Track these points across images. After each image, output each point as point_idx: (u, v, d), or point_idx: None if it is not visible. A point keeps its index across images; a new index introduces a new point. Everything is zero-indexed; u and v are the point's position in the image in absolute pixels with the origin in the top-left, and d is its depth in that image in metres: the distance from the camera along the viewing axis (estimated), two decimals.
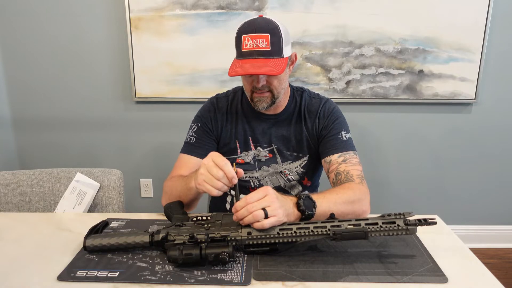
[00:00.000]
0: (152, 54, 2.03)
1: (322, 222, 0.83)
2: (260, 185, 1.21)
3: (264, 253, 0.86)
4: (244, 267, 0.82)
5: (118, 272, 0.81)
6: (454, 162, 2.20)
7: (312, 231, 0.82)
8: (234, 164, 1.01)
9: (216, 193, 0.88)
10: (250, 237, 0.83)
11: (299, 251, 0.88)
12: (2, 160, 2.18)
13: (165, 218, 1.05)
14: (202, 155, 1.14)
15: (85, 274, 0.80)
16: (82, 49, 2.08)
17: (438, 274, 0.79)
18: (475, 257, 0.87)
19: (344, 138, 1.15)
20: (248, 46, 1.03)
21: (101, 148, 2.23)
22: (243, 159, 1.21)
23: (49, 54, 2.09)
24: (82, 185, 1.26)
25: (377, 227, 0.81)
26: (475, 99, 2.06)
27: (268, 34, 1.02)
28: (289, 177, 1.21)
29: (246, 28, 1.05)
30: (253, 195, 0.82)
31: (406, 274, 0.79)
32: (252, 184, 1.22)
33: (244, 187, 1.22)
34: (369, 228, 0.81)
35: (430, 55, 2.00)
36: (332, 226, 0.82)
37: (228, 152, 1.21)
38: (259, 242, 0.84)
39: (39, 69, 2.12)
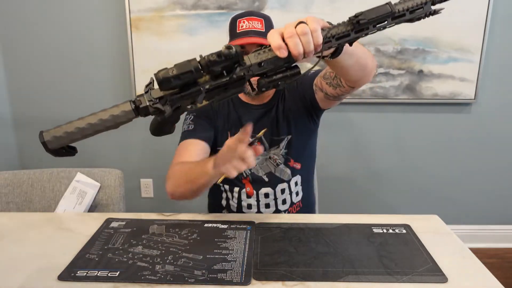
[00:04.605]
0: (152, 54, 2.03)
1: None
2: (252, 174, 1.22)
3: (283, 79, 0.67)
4: (244, 267, 0.82)
5: (118, 272, 0.81)
6: (453, 162, 2.20)
7: (333, 26, 0.67)
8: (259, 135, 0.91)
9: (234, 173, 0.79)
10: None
11: (299, 251, 0.88)
12: (2, 160, 2.17)
13: (165, 218, 1.05)
14: (206, 138, 1.15)
15: (85, 274, 0.80)
16: (82, 49, 2.08)
17: (437, 274, 0.79)
18: (475, 257, 0.87)
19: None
20: (244, 27, 1.09)
21: (101, 148, 2.22)
22: None
23: (49, 54, 2.09)
24: (83, 185, 1.26)
25: (401, 0, 0.67)
26: (474, 99, 2.06)
27: (262, 19, 1.10)
28: (278, 161, 1.22)
29: (241, 14, 1.12)
30: (273, 30, 0.64)
31: (406, 274, 0.79)
32: (244, 174, 1.22)
33: (236, 178, 1.22)
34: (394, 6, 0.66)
35: (429, 55, 2.00)
36: (354, 16, 0.66)
37: (220, 143, 1.22)
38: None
39: (40, 69, 2.12)
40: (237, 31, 1.09)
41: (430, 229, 0.99)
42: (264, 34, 1.08)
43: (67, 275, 0.80)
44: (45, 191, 1.31)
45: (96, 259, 0.86)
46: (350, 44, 0.70)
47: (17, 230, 1.01)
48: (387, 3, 0.66)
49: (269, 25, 1.11)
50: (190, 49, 2.01)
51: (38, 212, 1.30)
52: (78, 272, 0.81)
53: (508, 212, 2.27)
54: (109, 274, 0.80)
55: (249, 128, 0.78)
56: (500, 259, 2.19)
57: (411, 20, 0.69)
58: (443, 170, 2.21)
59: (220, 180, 0.94)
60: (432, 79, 2.04)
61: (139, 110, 0.65)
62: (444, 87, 2.05)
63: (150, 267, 0.83)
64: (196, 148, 1.13)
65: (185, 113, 1.23)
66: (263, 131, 0.86)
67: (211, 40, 2.00)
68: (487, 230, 2.30)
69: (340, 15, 1.95)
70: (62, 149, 0.65)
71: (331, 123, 2.10)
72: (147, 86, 0.64)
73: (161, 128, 0.72)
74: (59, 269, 0.82)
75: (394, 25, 0.69)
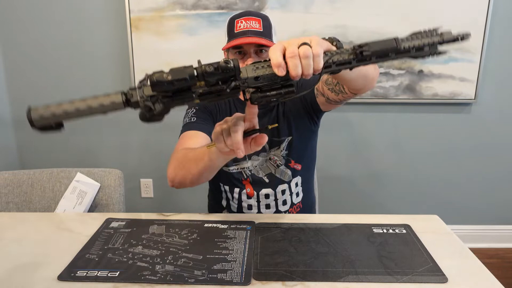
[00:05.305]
0: (152, 54, 2.03)
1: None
2: (252, 175, 1.22)
3: (276, 97, 0.65)
4: (244, 267, 0.82)
5: (118, 272, 0.81)
6: (453, 162, 2.20)
7: (336, 52, 0.66)
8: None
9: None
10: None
11: (299, 251, 0.88)
12: (2, 160, 2.18)
13: (165, 218, 1.05)
14: (207, 132, 1.12)
15: (85, 274, 0.80)
16: (82, 49, 2.08)
17: (437, 274, 0.79)
18: (475, 257, 0.87)
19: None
20: (242, 27, 1.09)
21: (101, 148, 2.23)
22: None
23: (49, 54, 2.10)
24: (82, 185, 1.26)
25: (409, 37, 0.67)
26: (474, 99, 2.06)
27: (260, 19, 1.10)
28: (278, 162, 1.22)
29: (238, 14, 1.12)
30: (276, 45, 0.63)
31: (406, 274, 0.79)
32: (244, 175, 1.22)
33: (237, 180, 1.23)
34: (401, 41, 0.66)
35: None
36: (358, 46, 0.67)
37: None
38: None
39: (40, 69, 2.12)
40: (235, 31, 1.09)
41: (430, 229, 0.99)
42: (262, 34, 1.08)
43: (67, 275, 0.80)
44: (45, 191, 1.31)
45: (96, 259, 0.86)
46: (350, 69, 0.69)
47: (17, 230, 1.01)
48: (394, 38, 0.66)
49: (267, 24, 1.11)
50: (190, 49, 2.01)
51: (38, 212, 1.30)
52: (78, 272, 0.81)
53: (508, 212, 2.27)
54: (109, 274, 0.80)
55: (254, 109, 0.71)
56: (500, 259, 2.20)
57: (415, 57, 0.69)
58: (443, 170, 2.21)
59: (210, 145, 0.83)
60: (432, 79, 2.04)
61: (129, 103, 0.65)
62: (444, 87, 2.05)
63: (150, 267, 0.83)
64: (198, 138, 1.12)
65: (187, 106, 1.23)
66: (274, 125, 0.84)
67: (211, 40, 2.00)
68: (487, 230, 2.30)
69: (340, 15, 1.96)
70: (50, 125, 0.65)
71: (331, 123, 2.10)
72: (140, 82, 0.65)
73: (150, 117, 0.72)
74: (59, 269, 0.82)
75: (397, 59, 0.69)
